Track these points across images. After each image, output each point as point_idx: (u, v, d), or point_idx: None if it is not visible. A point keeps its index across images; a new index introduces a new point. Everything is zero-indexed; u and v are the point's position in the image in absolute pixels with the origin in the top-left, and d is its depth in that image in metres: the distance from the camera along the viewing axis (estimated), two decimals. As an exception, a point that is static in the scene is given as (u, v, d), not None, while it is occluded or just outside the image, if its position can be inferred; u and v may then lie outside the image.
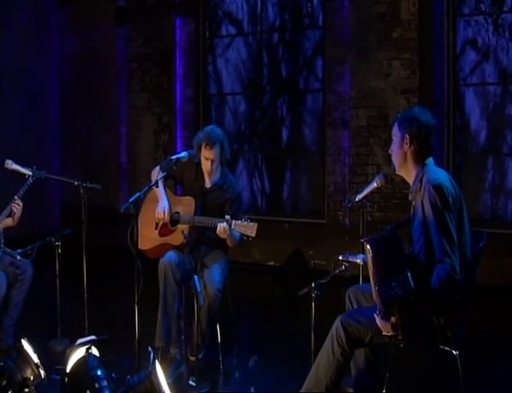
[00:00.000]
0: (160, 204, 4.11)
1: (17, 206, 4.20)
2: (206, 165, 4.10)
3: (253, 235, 3.66)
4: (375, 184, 3.56)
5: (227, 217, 3.76)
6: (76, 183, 4.36)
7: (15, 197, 4.20)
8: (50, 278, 4.42)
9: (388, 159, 6.08)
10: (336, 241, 6.37)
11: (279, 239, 6.85)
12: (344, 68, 6.47)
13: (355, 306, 3.36)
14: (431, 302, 2.91)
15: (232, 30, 7.56)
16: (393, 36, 6.16)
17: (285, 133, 7.32)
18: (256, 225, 3.65)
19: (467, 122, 6.31)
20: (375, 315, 2.90)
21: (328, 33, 6.66)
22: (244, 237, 3.74)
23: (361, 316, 3.06)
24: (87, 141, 8.43)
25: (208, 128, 4.13)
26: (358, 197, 3.67)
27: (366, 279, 3.08)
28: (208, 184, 4.21)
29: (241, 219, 3.72)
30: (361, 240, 3.20)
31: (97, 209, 6.41)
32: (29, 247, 4.22)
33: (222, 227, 3.78)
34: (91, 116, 8.34)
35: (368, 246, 2.87)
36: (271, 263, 6.95)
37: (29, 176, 4.28)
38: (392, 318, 2.84)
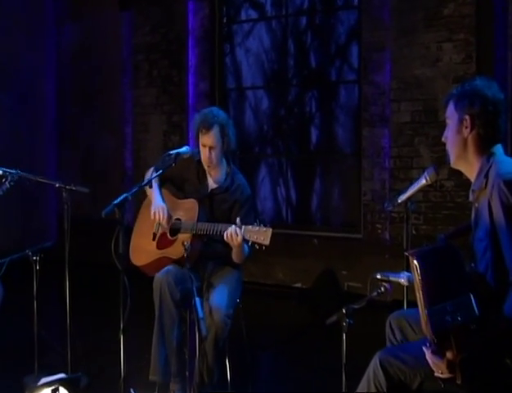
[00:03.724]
0: (154, 203, 3.94)
1: None
2: (204, 154, 3.89)
3: (267, 243, 3.47)
4: (423, 181, 3.21)
5: (238, 221, 3.58)
6: (57, 185, 4.23)
7: None
8: (26, 300, 4.26)
9: (438, 161, 5.88)
10: (374, 260, 6.21)
11: (307, 257, 6.75)
12: (384, 55, 6.30)
13: (398, 337, 3.00)
14: (502, 335, 2.49)
15: (253, 15, 7.52)
16: (444, 13, 5.94)
17: (314, 133, 7.27)
18: (270, 231, 3.46)
19: (535, 115, 6.10)
20: (424, 349, 2.50)
21: (364, 15, 6.50)
22: (256, 247, 3.54)
23: (406, 353, 2.67)
24: (88, 143, 8.45)
25: (206, 109, 3.99)
26: (401, 198, 3.34)
27: (413, 305, 2.72)
28: (212, 185, 4.02)
29: (252, 225, 3.54)
30: (406, 253, 2.85)
31: (99, 220, 6.20)
32: (-2, 262, 4.09)
33: (230, 232, 3.57)
34: (91, 115, 8.35)
35: (415, 262, 2.49)
36: (298, 284, 6.82)
37: (5, 179, 4.16)
38: (448, 354, 2.43)
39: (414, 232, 5.91)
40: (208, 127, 3.81)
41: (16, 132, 7.96)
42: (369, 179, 6.45)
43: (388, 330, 3.03)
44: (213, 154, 3.86)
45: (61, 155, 8.59)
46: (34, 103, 8.26)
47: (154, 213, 3.89)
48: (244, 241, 3.60)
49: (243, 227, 3.54)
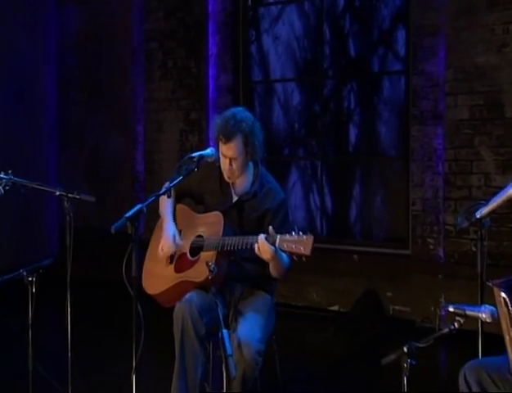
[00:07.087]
0: (164, 233, 3.91)
1: None
2: (224, 164, 3.83)
3: (308, 253, 3.35)
4: (510, 191, 3.07)
5: (271, 230, 3.49)
6: (58, 193, 4.21)
7: None
8: (20, 328, 4.18)
9: (504, 165, 5.63)
10: (425, 280, 6.15)
11: (345, 275, 6.70)
12: (437, 40, 6.19)
13: (476, 392, 2.82)
14: None
15: (283, -4, 7.52)
16: (513, -11, 5.90)
17: (353, 133, 7.25)
18: (311, 238, 3.35)
19: None
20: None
21: (414, -6, 6.50)
22: (295, 258, 3.44)
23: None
24: (94, 145, 8.52)
25: (229, 112, 3.84)
26: (481, 213, 3.20)
27: (495, 344, 2.61)
28: (238, 192, 3.93)
29: (289, 233, 3.43)
30: (489, 283, 2.70)
31: (107, 233, 6.17)
32: (-12, 284, 4.10)
33: (260, 243, 3.49)
34: (98, 113, 8.43)
35: (502, 294, 2.44)
36: (335, 307, 6.79)
37: None
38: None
39: (473, 248, 5.82)
40: (228, 137, 3.71)
41: (12, 132, 8.02)
42: (419, 186, 6.37)
43: (462, 383, 2.86)
44: (235, 165, 3.80)
45: (63, 159, 8.66)
46: (32, 99, 8.34)
47: (162, 245, 3.89)
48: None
49: (278, 236, 3.45)
